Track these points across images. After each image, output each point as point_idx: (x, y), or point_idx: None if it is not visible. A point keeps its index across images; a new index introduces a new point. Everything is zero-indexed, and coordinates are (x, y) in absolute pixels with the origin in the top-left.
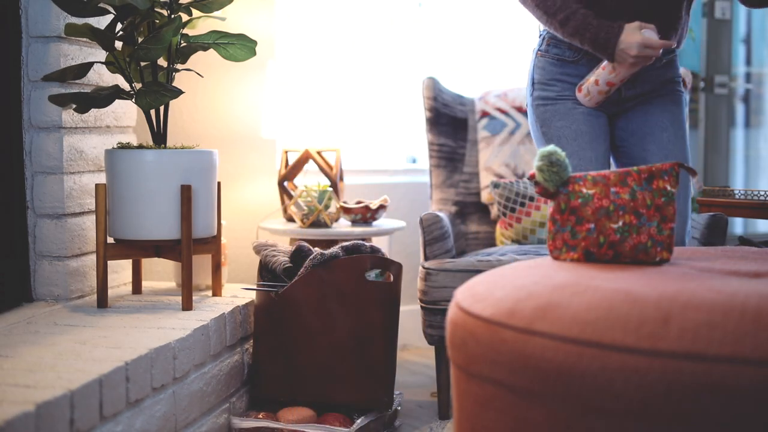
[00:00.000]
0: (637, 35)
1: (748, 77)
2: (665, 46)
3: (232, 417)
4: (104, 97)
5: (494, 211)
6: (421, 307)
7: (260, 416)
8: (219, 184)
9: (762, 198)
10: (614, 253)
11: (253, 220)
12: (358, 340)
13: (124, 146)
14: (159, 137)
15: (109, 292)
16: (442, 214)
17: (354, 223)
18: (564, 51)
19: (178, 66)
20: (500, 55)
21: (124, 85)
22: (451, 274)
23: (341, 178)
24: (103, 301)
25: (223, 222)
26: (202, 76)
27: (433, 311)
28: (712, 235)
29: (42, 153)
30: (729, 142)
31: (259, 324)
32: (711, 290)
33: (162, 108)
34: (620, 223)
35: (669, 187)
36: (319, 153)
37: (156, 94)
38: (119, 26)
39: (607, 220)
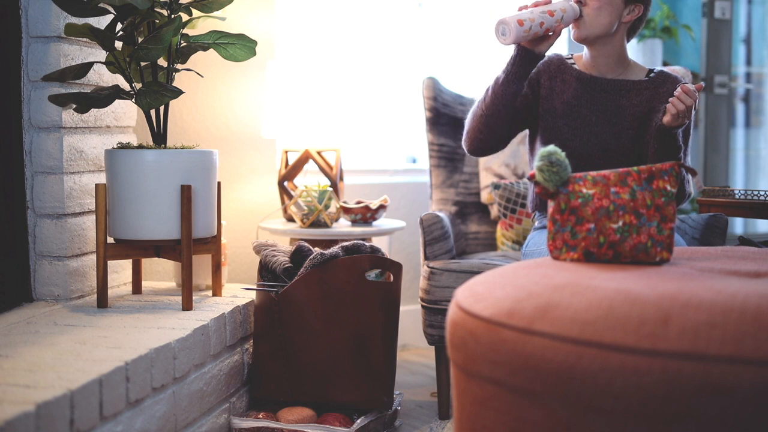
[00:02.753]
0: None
1: (748, 77)
2: None
3: (232, 417)
4: (104, 97)
5: (494, 211)
6: (422, 306)
7: (260, 416)
8: (219, 184)
9: (762, 198)
10: (614, 253)
11: (253, 220)
12: (358, 340)
13: (124, 146)
14: (159, 137)
15: (109, 292)
16: (442, 214)
17: (354, 223)
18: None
19: (178, 66)
20: (500, 55)
21: (124, 85)
22: (455, 275)
23: (341, 178)
24: (103, 301)
25: (223, 222)
26: (202, 76)
27: (434, 311)
28: (712, 235)
29: (42, 153)
30: (729, 142)
31: (259, 324)
32: (711, 290)
33: (162, 108)
34: (620, 223)
35: (669, 187)
36: (319, 153)
37: (156, 94)
38: (119, 26)
39: (607, 220)
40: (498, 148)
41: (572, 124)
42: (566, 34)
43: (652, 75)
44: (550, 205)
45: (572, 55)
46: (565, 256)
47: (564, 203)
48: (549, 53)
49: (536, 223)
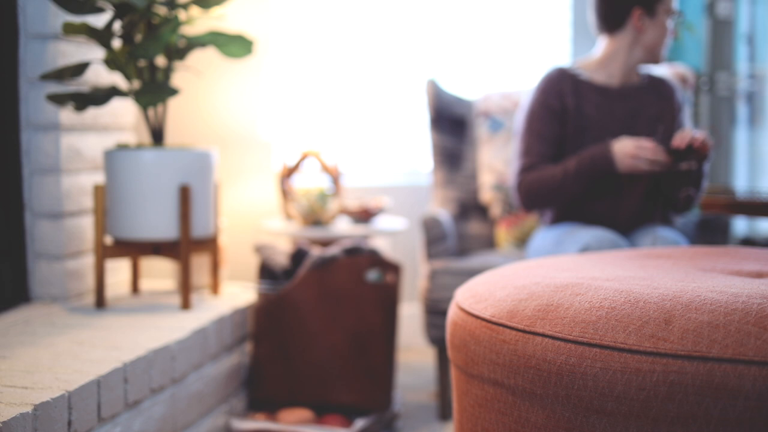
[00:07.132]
0: (627, 140)
1: (750, 76)
2: (656, 152)
3: (231, 418)
4: (102, 95)
5: (494, 211)
6: (423, 306)
7: (259, 417)
8: (218, 183)
9: (763, 198)
10: None
11: (253, 220)
12: (358, 340)
13: (123, 146)
14: (157, 136)
15: (107, 292)
16: (442, 214)
17: (354, 223)
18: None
19: (177, 65)
20: (500, 56)
21: (123, 84)
22: (455, 275)
23: (341, 178)
24: (101, 302)
25: (223, 222)
26: (201, 73)
27: (435, 311)
28: (712, 235)
29: (40, 152)
30: (731, 141)
31: (259, 324)
32: (713, 291)
33: (160, 107)
34: None
35: None
36: (318, 153)
37: (154, 92)
38: (117, 25)
39: None
40: None
41: (599, 137)
42: (570, 38)
43: (643, 77)
44: None
45: (576, 65)
46: None
47: None
48: (550, 68)
49: (542, 223)
